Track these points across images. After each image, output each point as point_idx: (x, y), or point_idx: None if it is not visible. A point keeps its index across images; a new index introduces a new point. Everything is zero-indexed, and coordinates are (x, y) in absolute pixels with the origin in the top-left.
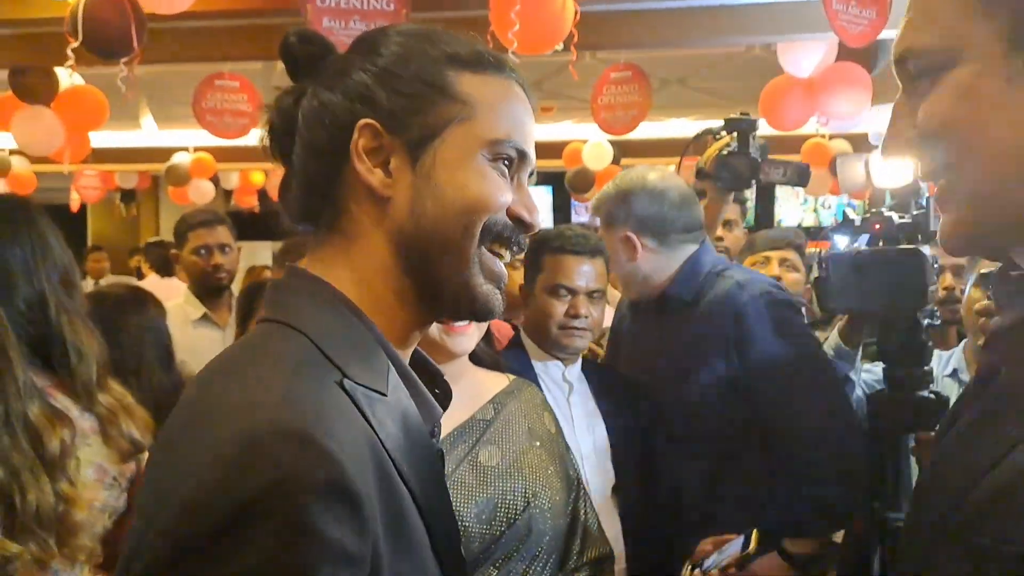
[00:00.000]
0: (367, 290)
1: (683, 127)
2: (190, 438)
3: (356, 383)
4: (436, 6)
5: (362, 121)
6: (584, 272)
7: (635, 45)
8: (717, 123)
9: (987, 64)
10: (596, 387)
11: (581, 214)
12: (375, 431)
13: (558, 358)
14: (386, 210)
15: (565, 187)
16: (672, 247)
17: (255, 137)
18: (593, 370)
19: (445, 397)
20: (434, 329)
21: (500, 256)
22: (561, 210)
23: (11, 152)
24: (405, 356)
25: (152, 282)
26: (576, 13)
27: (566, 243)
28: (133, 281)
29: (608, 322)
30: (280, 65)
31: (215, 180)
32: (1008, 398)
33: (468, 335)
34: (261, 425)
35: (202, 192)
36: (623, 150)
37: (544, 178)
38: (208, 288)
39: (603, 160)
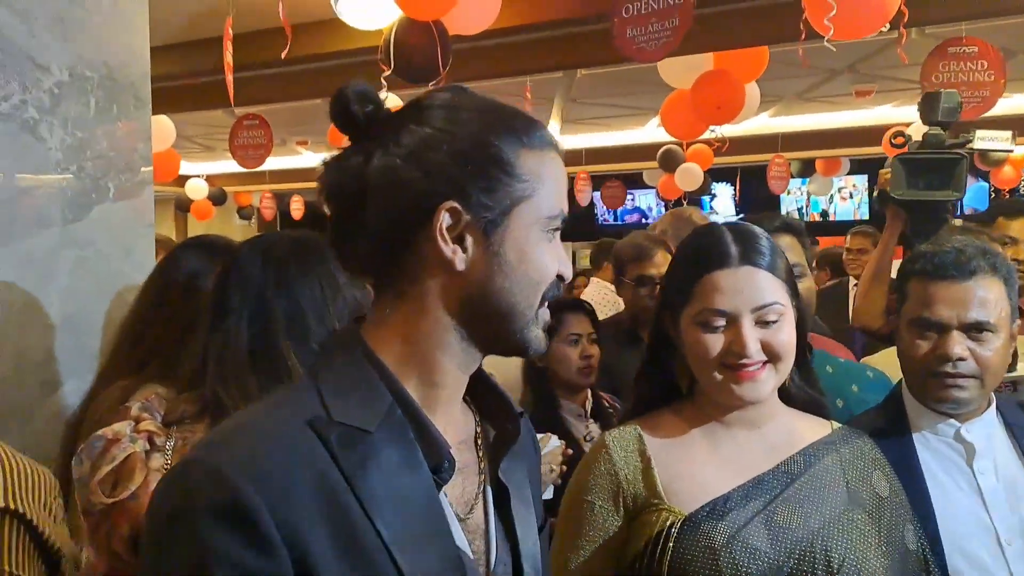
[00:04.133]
0: (410, 344)
1: None
2: None
3: (336, 421)
4: None
5: (448, 204)
6: (956, 300)
7: (973, 16)
8: None
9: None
10: None
11: None
12: (339, 465)
13: (947, 414)
14: (456, 282)
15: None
16: None
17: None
18: (1021, 417)
19: (515, 431)
20: (718, 374)
21: (545, 308)
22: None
23: None
24: (442, 395)
25: None
26: None
27: (929, 264)
28: None
29: None
30: (580, 73)
31: None
32: None
33: (760, 381)
34: (192, 458)
35: None
36: (955, 132)
37: (857, 166)
38: None
39: None
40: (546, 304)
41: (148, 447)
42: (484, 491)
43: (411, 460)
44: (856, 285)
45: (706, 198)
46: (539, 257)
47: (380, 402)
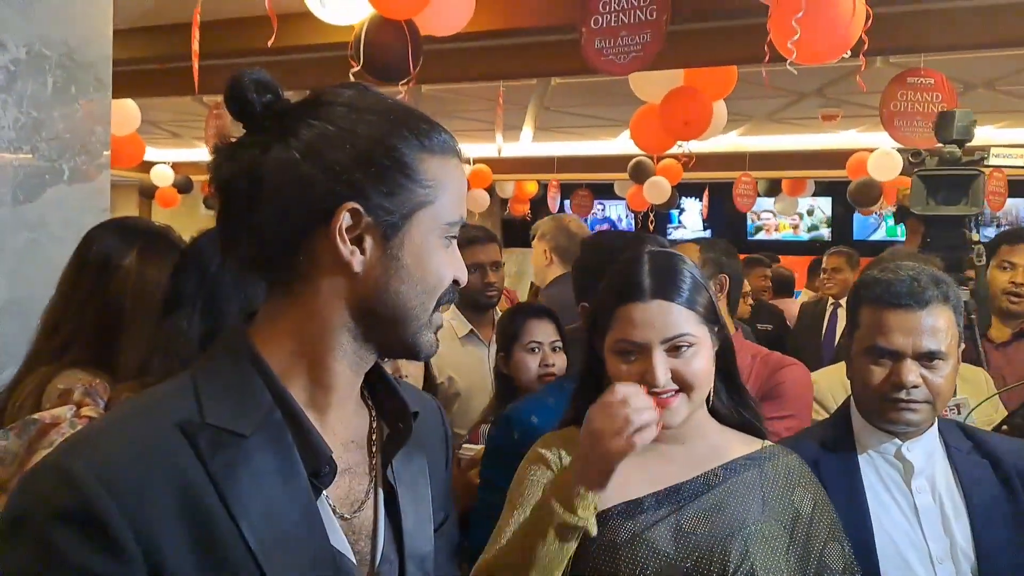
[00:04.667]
0: (300, 344)
1: (988, 134)
2: None
3: (208, 424)
4: (704, 17)
5: (349, 205)
6: (911, 329)
7: (935, 48)
8: None
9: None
10: (963, 463)
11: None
12: (207, 469)
13: (890, 432)
14: (351, 283)
15: (847, 199)
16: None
17: (530, 149)
18: (961, 440)
19: (407, 430)
20: None
21: (440, 312)
22: (842, 223)
23: None
24: (333, 396)
25: None
26: (869, 16)
27: (885, 292)
28: None
29: None
30: (555, 82)
31: (490, 190)
32: None
33: (672, 408)
34: (46, 461)
35: (479, 201)
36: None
37: (823, 188)
38: (478, 305)
39: (891, 171)
40: (440, 309)
41: None
42: (375, 491)
43: (286, 464)
44: (834, 304)
45: (674, 212)
46: (436, 263)
47: (258, 404)
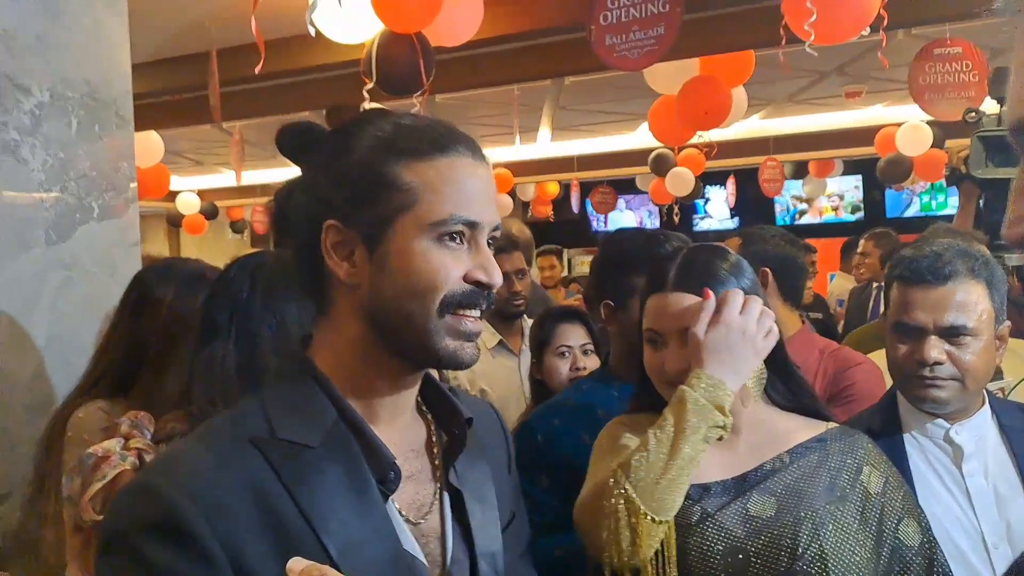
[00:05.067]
0: (339, 360)
1: None
2: None
3: (279, 438)
4: (717, 3)
5: (327, 222)
6: (932, 305)
7: (957, 16)
8: None
9: None
10: (1020, 442)
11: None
12: (281, 480)
13: (934, 414)
14: (355, 295)
15: (876, 175)
16: None
17: (549, 149)
18: (1017, 419)
19: (463, 436)
20: (665, 389)
21: (467, 317)
22: (874, 203)
23: None
24: (382, 407)
25: None
26: None
27: (907, 269)
28: None
29: None
30: (568, 80)
31: (512, 193)
32: None
33: None
34: (131, 483)
35: (501, 206)
36: (947, 131)
37: (852, 167)
38: (505, 315)
39: (921, 144)
40: (461, 312)
41: (138, 464)
42: (440, 495)
43: (355, 472)
44: (878, 288)
45: (700, 202)
46: (424, 265)
47: (323, 418)
